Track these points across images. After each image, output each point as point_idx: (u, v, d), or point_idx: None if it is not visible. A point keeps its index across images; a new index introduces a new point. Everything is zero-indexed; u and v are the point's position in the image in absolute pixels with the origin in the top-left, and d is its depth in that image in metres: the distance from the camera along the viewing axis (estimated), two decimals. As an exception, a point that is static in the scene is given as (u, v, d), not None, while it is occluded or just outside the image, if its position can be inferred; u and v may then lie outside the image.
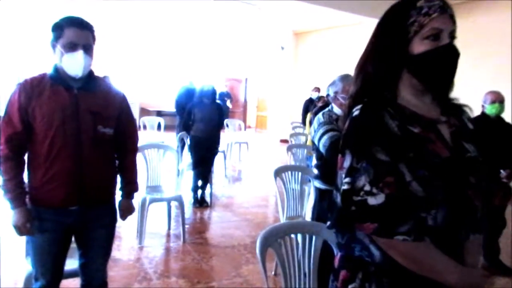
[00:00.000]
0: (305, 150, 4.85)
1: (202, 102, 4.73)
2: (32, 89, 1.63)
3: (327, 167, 2.49)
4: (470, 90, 5.71)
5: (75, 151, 1.66)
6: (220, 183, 6.21)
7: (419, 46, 1.03)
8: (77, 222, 1.75)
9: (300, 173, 3.25)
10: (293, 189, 3.20)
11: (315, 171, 2.63)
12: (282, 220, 3.05)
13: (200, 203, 4.84)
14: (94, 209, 1.78)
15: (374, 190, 0.96)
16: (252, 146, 8.51)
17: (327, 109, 2.60)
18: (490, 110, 3.28)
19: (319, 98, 5.55)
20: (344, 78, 2.62)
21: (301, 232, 1.74)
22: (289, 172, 3.21)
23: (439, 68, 1.03)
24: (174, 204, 3.96)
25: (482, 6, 6.69)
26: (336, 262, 1.18)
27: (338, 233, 1.15)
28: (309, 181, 3.26)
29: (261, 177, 7.21)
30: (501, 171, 3.19)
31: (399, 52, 1.06)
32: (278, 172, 3.14)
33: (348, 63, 11.17)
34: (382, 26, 1.12)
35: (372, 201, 0.96)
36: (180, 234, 3.73)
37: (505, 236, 3.56)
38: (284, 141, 11.70)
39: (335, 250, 1.75)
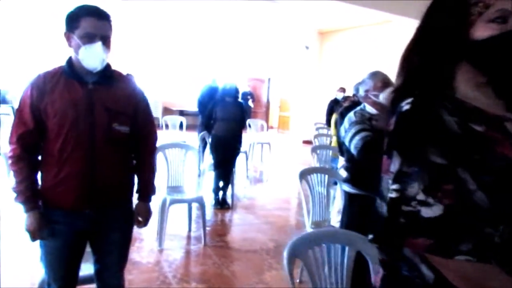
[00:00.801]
0: (330, 152, 4.67)
1: (224, 100, 4.62)
2: (45, 85, 1.54)
3: (358, 170, 2.33)
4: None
5: (88, 150, 1.56)
6: (241, 184, 6.09)
7: (483, 30, 0.86)
8: (91, 226, 1.65)
9: (326, 176, 3.08)
10: (319, 192, 3.03)
11: (344, 173, 2.47)
12: (308, 224, 2.90)
13: (221, 204, 4.73)
14: (109, 212, 1.67)
15: (430, 200, 0.80)
16: (274, 147, 8.35)
17: (358, 108, 2.43)
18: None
19: (345, 98, 5.34)
20: (374, 75, 2.45)
21: (332, 242, 1.58)
22: (315, 175, 3.04)
23: (507, 57, 0.86)
24: (194, 205, 3.86)
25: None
26: (378, 282, 1.01)
27: (381, 248, 0.99)
28: (335, 183, 3.10)
29: (284, 179, 7.05)
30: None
31: (457, 38, 0.89)
32: (304, 175, 2.98)
33: (376, 63, 10.84)
34: (436, 7, 0.95)
35: (427, 212, 0.80)
36: (201, 236, 3.62)
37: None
38: (307, 142, 11.49)
39: (370, 263, 1.59)
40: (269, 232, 3.99)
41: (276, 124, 14.86)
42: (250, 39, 11.66)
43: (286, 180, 6.98)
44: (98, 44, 1.53)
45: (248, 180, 6.61)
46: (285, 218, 4.61)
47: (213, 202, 4.73)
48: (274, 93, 15.04)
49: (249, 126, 8.13)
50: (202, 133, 5.16)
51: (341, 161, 4.00)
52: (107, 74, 1.65)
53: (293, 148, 10.69)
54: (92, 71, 1.57)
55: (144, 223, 1.82)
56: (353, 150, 2.27)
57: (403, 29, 8.29)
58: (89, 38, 1.53)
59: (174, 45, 11.84)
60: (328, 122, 7.61)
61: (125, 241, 1.79)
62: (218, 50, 12.39)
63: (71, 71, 1.58)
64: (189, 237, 3.74)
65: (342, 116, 3.93)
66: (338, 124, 3.95)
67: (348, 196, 2.38)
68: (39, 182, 1.61)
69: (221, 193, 4.79)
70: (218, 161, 4.64)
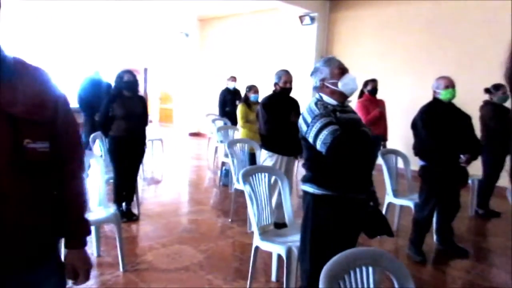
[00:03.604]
0: (246, 145, 4.40)
1: (121, 95, 3.91)
2: None
3: (324, 168, 2.09)
4: (468, 81, 5.44)
5: None
6: (140, 188, 5.38)
7: None
8: None
9: (267, 174, 2.80)
10: (261, 193, 2.73)
11: (306, 172, 2.20)
12: (256, 231, 2.57)
13: (128, 216, 4.06)
14: (25, 275, 1.09)
15: None
16: (163, 142, 7.70)
17: (315, 99, 2.18)
18: (445, 95, 3.23)
19: (250, 87, 5.11)
20: (329, 61, 2.23)
21: (359, 264, 1.30)
22: (258, 174, 2.73)
23: None
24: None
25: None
26: None
27: None
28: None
29: (183, 177, 6.55)
30: (461, 156, 3.18)
31: None
32: (246, 176, 2.64)
33: (260, 51, 10.75)
34: None
35: None
36: (116, 261, 2.99)
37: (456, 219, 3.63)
38: (194, 134, 11.06)
39: (396, 283, 1.36)
40: (193, 243, 3.52)
41: (157, 118, 13.96)
42: (124, 26, 10.52)
43: (185, 179, 6.49)
44: None
45: (145, 182, 5.93)
46: (204, 222, 4.17)
47: (116, 214, 4.02)
48: (152, 85, 14.07)
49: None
50: (94, 135, 4.33)
51: (263, 155, 3.76)
52: (7, 65, 1.04)
53: (181, 142, 10.13)
54: None
55: (86, 277, 1.26)
56: (319, 146, 2.02)
57: (288, 16, 8.46)
58: None
59: (47, 35, 9.95)
60: (223, 113, 7.33)
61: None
62: (91, 38, 10.87)
63: None
64: (100, 264, 3.04)
65: (264, 107, 3.70)
66: (260, 116, 3.69)
67: (313, 198, 2.13)
68: None
69: (124, 203, 4.12)
70: (120, 166, 3.94)
